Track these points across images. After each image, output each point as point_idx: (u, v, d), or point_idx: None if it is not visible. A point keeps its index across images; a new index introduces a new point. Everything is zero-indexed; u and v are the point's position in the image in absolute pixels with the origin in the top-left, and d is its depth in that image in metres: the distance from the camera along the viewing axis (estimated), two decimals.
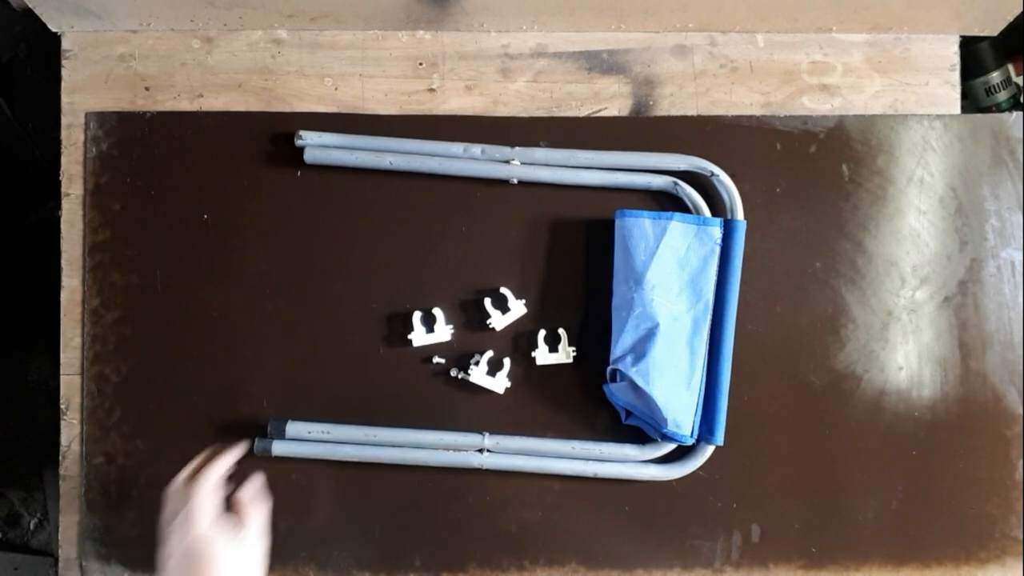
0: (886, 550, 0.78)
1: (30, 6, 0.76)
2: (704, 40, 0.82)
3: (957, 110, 0.82)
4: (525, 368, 0.77)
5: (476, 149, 0.77)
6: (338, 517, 0.77)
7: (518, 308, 0.77)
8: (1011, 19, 0.81)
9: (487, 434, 0.76)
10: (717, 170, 0.77)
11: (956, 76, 0.83)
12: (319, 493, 0.77)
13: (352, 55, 0.81)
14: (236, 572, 0.60)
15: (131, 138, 0.79)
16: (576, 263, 0.78)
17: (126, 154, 0.79)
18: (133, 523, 0.77)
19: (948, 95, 0.83)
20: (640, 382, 0.71)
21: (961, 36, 0.83)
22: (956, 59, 0.83)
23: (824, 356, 0.79)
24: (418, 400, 0.77)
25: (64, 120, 0.80)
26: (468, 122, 0.79)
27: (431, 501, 0.77)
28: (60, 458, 0.78)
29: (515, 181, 0.78)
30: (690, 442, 0.73)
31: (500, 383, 0.76)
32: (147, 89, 0.80)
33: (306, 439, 0.75)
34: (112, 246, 0.78)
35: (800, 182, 0.80)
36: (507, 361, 0.77)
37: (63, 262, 0.79)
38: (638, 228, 0.74)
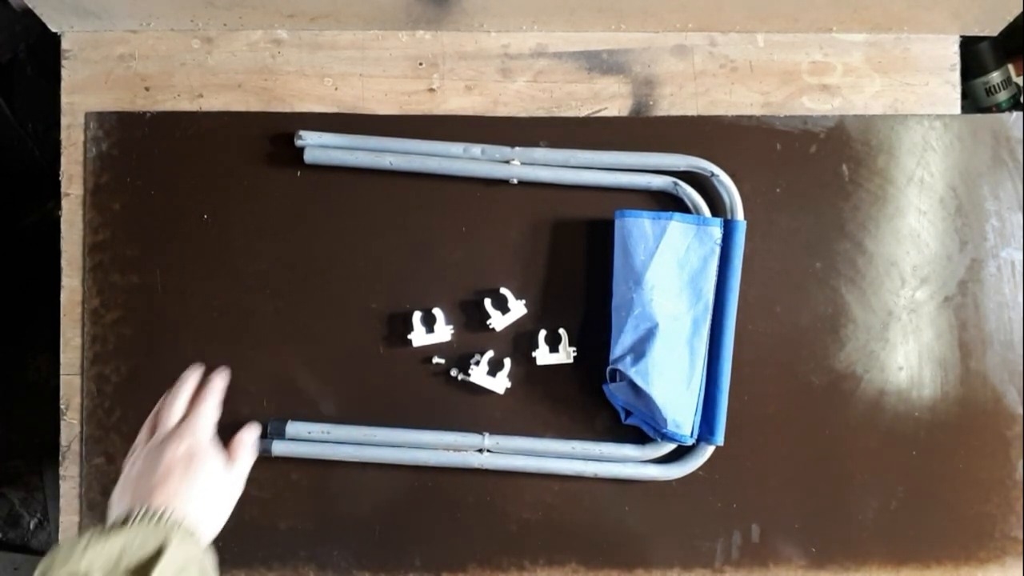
0: (886, 550, 0.78)
1: (30, 6, 0.76)
2: (704, 40, 0.82)
3: (957, 110, 0.82)
4: (525, 368, 0.77)
5: (476, 149, 0.77)
6: (338, 517, 0.77)
7: (518, 308, 0.77)
8: (1011, 19, 0.81)
9: (487, 434, 0.76)
10: (717, 170, 0.77)
11: (956, 76, 0.83)
12: (319, 493, 0.77)
13: (352, 55, 0.81)
14: (224, 496, 0.61)
15: (131, 138, 0.79)
16: (576, 263, 0.78)
17: (126, 154, 0.79)
18: None
19: (948, 95, 0.83)
20: (639, 382, 0.71)
21: (961, 36, 0.83)
22: (956, 59, 0.83)
23: (824, 356, 0.79)
24: (418, 400, 0.77)
25: (64, 120, 0.80)
26: (468, 122, 0.79)
27: (431, 501, 0.77)
28: (60, 458, 0.78)
29: (515, 181, 0.77)
30: (690, 442, 0.73)
31: (500, 383, 0.76)
32: (147, 89, 0.80)
33: (306, 439, 0.75)
34: (112, 246, 0.78)
35: (800, 182, 0.80)
36: (507, 361, 0.77)
37: (63, 262, 0.79)
38: (638, 228, 0.74)
